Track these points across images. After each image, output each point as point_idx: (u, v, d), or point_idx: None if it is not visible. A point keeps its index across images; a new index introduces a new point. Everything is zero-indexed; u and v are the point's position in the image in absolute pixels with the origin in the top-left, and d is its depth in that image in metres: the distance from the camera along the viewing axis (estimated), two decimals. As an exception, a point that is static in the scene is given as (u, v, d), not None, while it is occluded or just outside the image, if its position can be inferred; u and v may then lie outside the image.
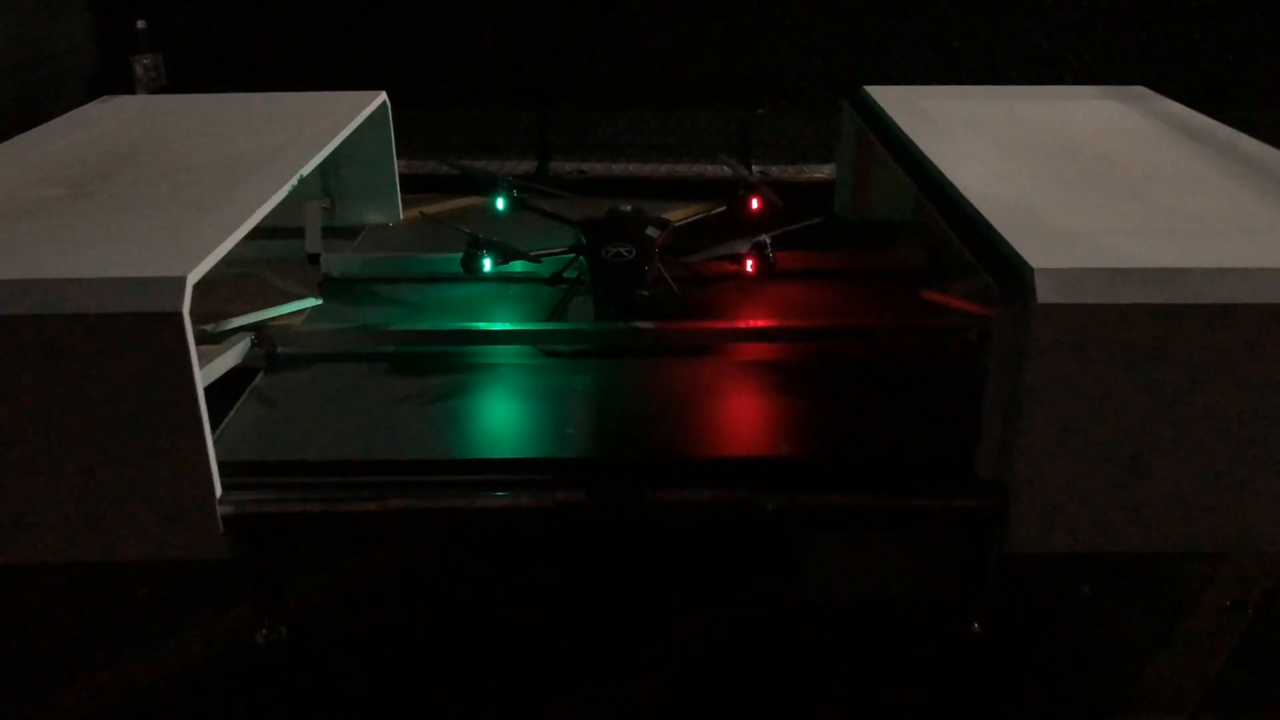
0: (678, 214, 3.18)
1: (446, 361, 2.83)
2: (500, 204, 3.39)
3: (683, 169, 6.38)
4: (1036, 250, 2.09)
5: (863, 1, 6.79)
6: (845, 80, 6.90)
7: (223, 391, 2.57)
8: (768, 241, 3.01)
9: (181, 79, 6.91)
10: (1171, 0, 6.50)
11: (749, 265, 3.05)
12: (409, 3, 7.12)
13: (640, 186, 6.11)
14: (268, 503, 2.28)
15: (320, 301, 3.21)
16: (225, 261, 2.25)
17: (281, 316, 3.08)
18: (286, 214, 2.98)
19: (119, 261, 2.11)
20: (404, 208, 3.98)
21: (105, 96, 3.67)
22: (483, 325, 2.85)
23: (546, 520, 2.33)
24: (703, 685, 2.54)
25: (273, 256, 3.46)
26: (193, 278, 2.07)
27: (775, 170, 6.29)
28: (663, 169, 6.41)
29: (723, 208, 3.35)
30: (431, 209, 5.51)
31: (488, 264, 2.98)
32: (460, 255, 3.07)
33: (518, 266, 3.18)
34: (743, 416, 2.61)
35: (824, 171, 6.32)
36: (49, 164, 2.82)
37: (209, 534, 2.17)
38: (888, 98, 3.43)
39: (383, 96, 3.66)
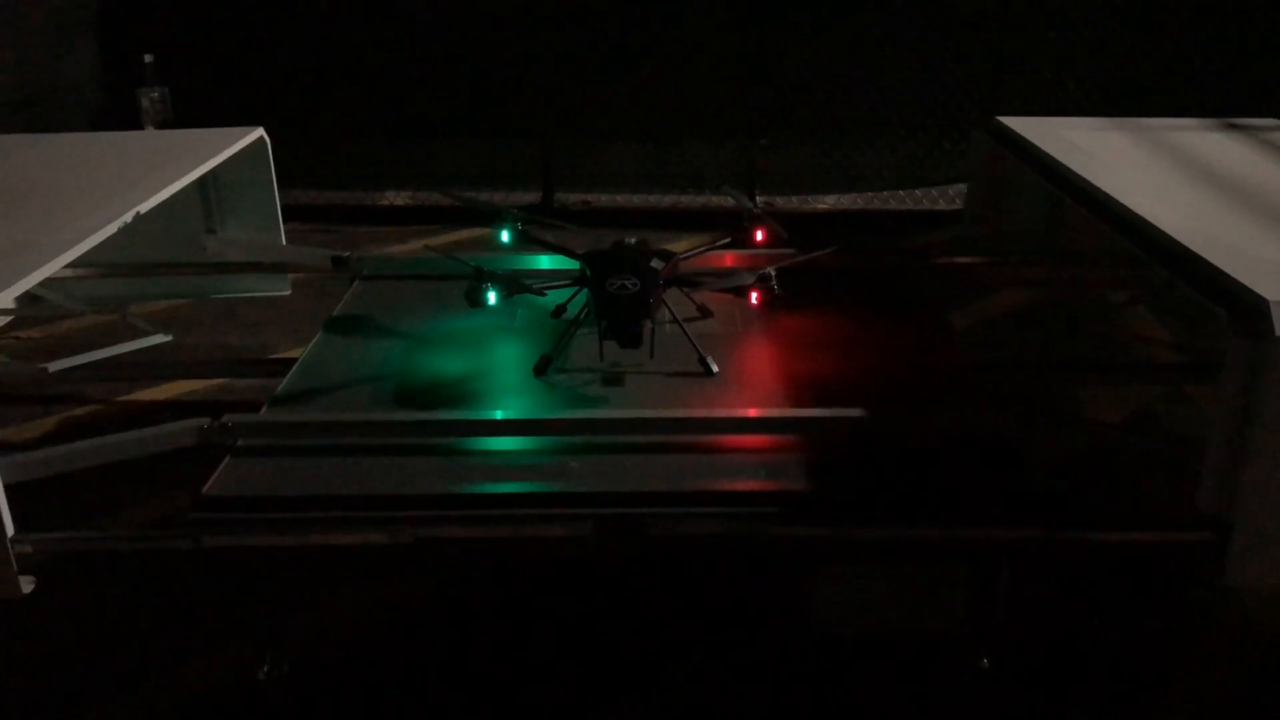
0: (682, 246, 3.19)
1: (441, 394, 2.83)
2: (505, 236, 3.40)
3: (687, 200, 6.40)
4: (1267, 282, 2.12)
5: (867, 33, 6.82)
6: (847, 112, 6.98)
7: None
8: (773, 273, 3.01)
9: (188, 112, 6.95)
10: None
11: (754, 297, 3.04)
12: (414, 36, 7.16)
13: (645, 218, 6.12)
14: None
15: (169, 338, 3.24)
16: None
17: (135, 352, 3.18)
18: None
19: None
20: (408, 240, 4.02)
21: None
22: (457, 415, 2.71)
23: (550, 553, 2.33)
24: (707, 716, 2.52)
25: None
26: None
27: (780, 201, 6.31)
28: (667, 200, 6.44)
29: (727, 240, 3.35)
30: (435, 242, 5.56)
31: (492, 297, 2.98)
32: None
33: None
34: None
35: (827, 202, 6.35)
36: None
37: (3, 575, 2.21)
38: (1027, 129, 3.58)
39: (259, 132, 3.69)
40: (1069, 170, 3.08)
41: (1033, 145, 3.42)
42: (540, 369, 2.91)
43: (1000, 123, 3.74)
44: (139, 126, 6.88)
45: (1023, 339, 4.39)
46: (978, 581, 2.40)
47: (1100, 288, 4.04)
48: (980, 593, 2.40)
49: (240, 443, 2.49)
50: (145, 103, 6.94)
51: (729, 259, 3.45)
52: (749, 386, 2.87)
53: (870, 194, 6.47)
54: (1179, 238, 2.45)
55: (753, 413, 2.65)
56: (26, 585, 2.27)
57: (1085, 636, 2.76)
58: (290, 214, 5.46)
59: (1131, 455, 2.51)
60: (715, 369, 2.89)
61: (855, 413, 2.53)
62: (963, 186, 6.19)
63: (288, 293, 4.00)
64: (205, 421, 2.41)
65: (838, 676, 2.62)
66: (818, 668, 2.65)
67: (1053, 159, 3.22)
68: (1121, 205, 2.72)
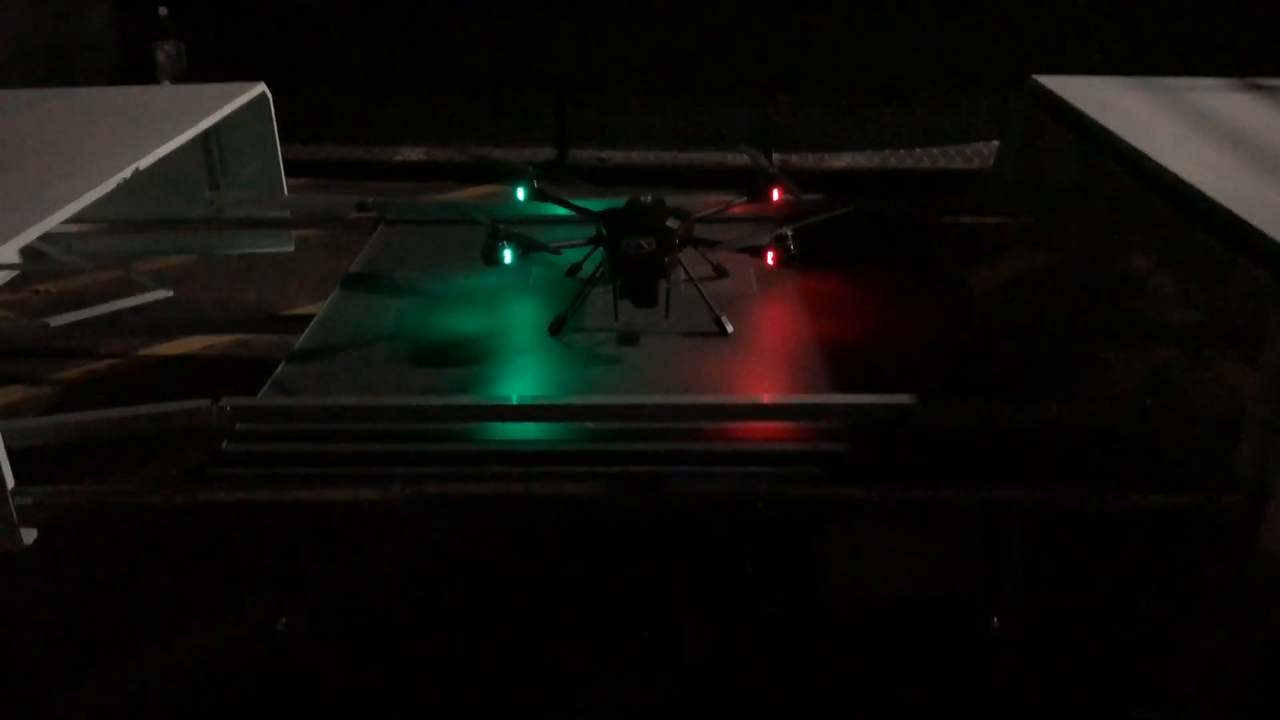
0: (698, 205, 3.17)
1: (457, 353, 2.84)
2: (521, 194, 3.38)
3: (703, 158, 6.35)
4: None
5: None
6: (868, 68, 6.92)
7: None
8: (789, 234, 2.99)
9: (203, 66, 6.92)
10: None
11: (770, 257, 3.03)
12: (430, -10, 7.11)
13: (660, 175, 6.08)
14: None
15: (170, 293, 3.25)
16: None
17: (131, 308, 3.20)
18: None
19: None
20: (423, 195, 4.04)
21: None
22: (459, 401, 2.62)
23: (564, 511, 2.34)
24: (717, 684, 2.54)
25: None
26: None
27: (796, 159, 6.26)
28: (683, 158, 6.39)
29: (744, 199, 3.33)
30: (450, 199, 5.55)
31: (508, 256, 2.98)
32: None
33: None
34: None
35: (844, 160, 6.29)
36: None
37: (4, 526, 2.25)
38: (1065, 88, 3.54)
39: (261, 88, 3.69)
40: (1108, 131, 3.06)
41: (1071, 105, 3.39)
42: (555, 328, 2.91)
43: (1037, 82, 3.70)
44: (155, 80, 6.87)
45: (1045, 302, 4.36)
46: (992, 545, 2.41)
47: (1128, 251, 4.02)
48: (995, 556, 2.41)
49: (239, 427, 2.48)
50: (160, 56, 6.92)
51: (745, 219, 3.43)
52: (764, 347, 2.86)
53: (888, 152, 6.40)
54: (1221, 200, 2.43)
55: (794, 398, 2.60)
56: (28, 537, 2.30)
57: (1106, 601, 2.76)
58: (304, 169, 5.48)
59: (1158, 421, 2.50)
60: (730, 329, 2.89)
61: (900, 399, 2.44)
62: (982, 146, 6.16)
63: (291, 249, 4.01)
64: (206, 404, 2.41)
65: (849, 638, 2.63)
66: (829, 630, 2.66)
67: (1091, 119, 3.20)
68: (1162, 167, 2.71)
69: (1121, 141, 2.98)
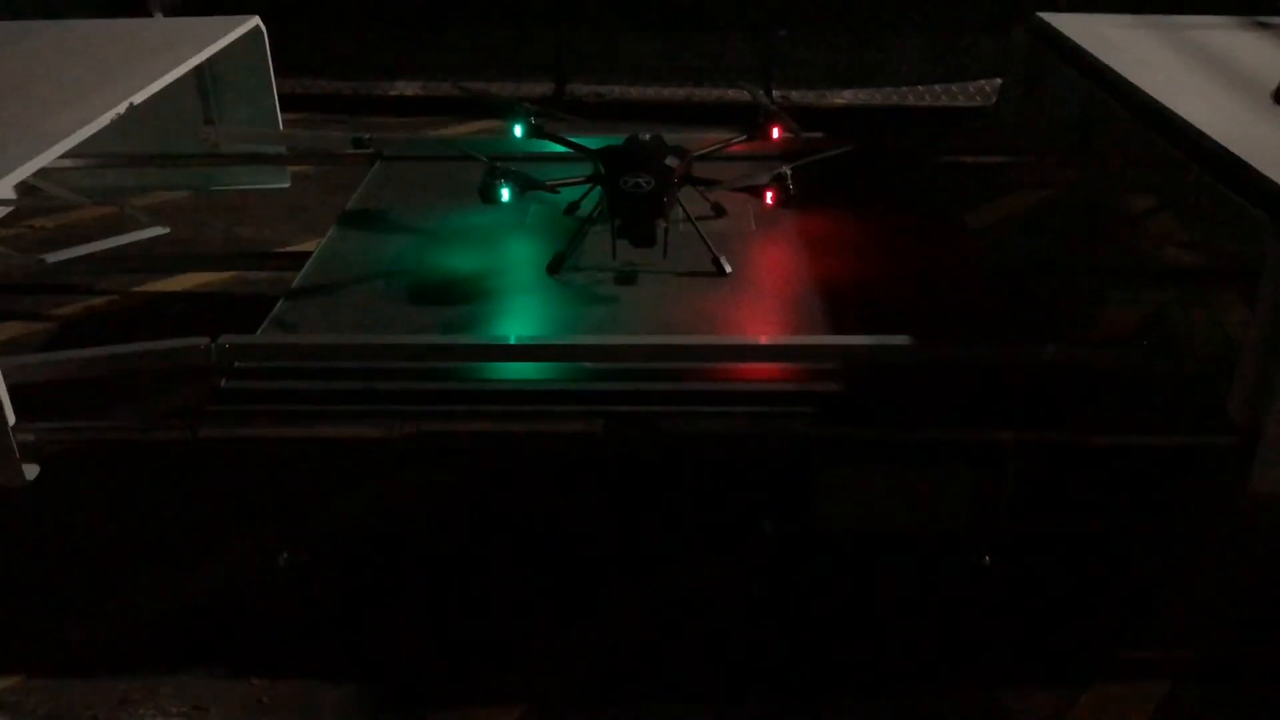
0: (697, 143, 3.16)
1: (455, 292, 2.84)
2: (518, 130, 3.36)
3: (702, 93, 6.28)
4: None
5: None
6: (870, 2, 6.81)
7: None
8: (788, 173, 2.98)
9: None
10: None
11: (768, 196, 3.02)
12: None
13: (658, 111, 6.03)
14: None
15: (167, 230, 3.25)
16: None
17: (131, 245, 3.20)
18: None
19: None
20: (419, 130, 4.02)
21: None
22: (458, 340, 2.62)
23: (561, 448, 2.36)
24: (705, 617, 2.58)
25: None
26: None
27: (796, 95, 6.20)
28: (681, 93, 6.32)
29: (743, 137, 3.31)
30: (446, 134, 5.50)
31: (506, 194, 2.97)
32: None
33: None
34: None
35: (844, 97, 6.23)
36: None
37: (5, 461, 2.28)
38: (1069, 25, 3.56)
39: (255, 21, 3.66)
40: (1110, 70, 3.04)
41: (1074, 43, 3.38)
42: (553, 267, 2.91)
43: (1041, 19, 3.68)
44: (146, 12, 6.76)
45: (1044, 242, 4.36)
46: (985, 483, 2.43)
47: (1128, 191, 4.02)
48: (986, 494, 2.44)
49: (238, 364, 2.50)
50: (153, -13, 6.80)
51: (744, 157, 3.41)
52: (762, 287, 2.87)
53: (889, 89, 6.34)
54: (1221, 140, 2.44)
55: (791, 339, 2.60)
56: (30, 473, 2.33)
57: (1098, 541, 2.79)
58: (299, 104, 5.43)
59: (1155, 361, 2.52)
60: (729, 269, 2.89)
61: (897, 340, 2.44)
62: (984, 83, 6.10)
63: (287, 185, 4.00)
64: (202, 342, 2.42)
65: (841, 574, 2.67)
66: (822, 565, 2.69)
67: (1094, 58, 3.18)
68: (1163, 106, 2.70)
69: (1123, 80, 2.96)
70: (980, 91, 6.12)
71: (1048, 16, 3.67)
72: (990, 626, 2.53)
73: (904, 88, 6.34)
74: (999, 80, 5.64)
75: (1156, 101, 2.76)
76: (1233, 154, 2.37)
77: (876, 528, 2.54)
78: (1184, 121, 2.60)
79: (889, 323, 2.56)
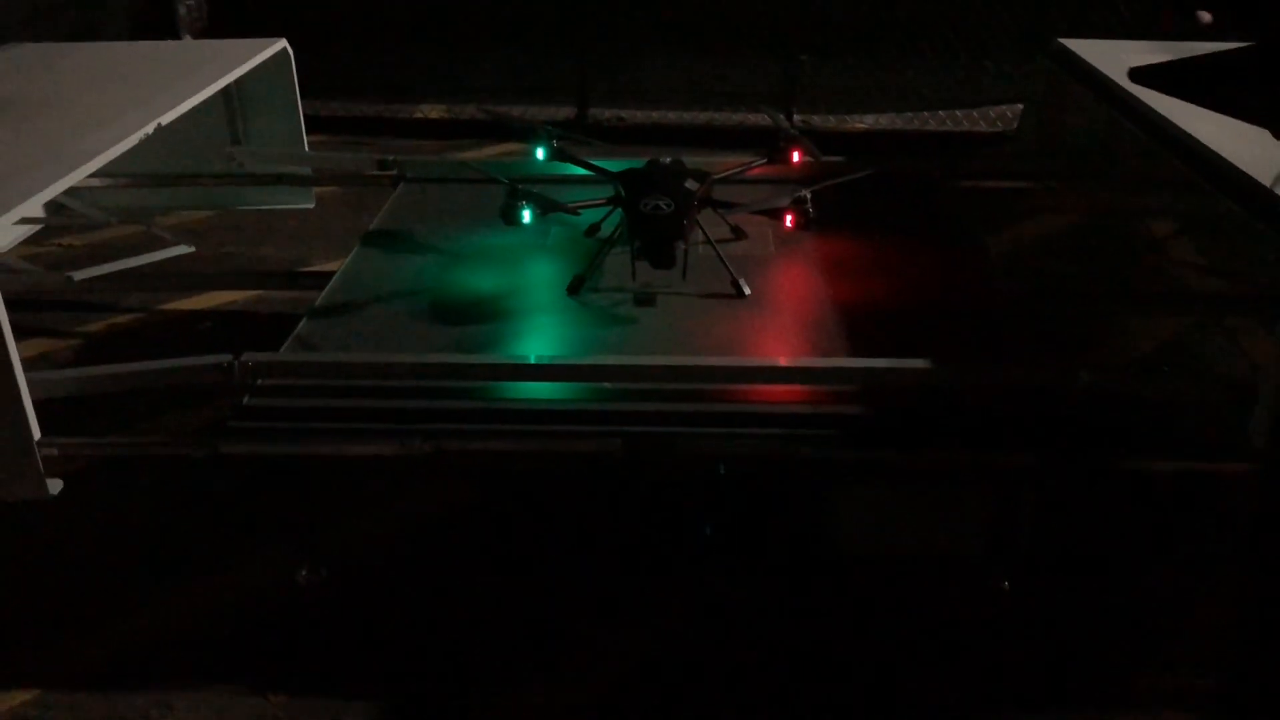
0: (718, 166, 3.17)
1: (476, 312, 2.86)
2: (540, 153, 3.39)
3: (722, 118, 6.31)
4: None
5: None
6: (890, 28, 6.84)
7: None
8: (808, 196, 2.99)
9: (224, 20, 6.91)
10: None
11: (788, 220, 3.03)
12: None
13: (679, 135, 6.07)
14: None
15: (192, 249, 3.44)
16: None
17: (156, 264, 3.42)
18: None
19: None
20: (443, 153, 4.05)
21: (11, 44, 3.78)
22: (478, 360, 2.64)
23: (579, 467, 2.37)
24: (725, 635, 2.58)
25: None
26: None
27: (817, 120, 6.22)
28: (702, 117, 6.36)
29: (763, 160, 3.33)
30: (468, 157, 5.55)
31: (527, 215, 2.99)
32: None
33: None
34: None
35: (866, 122, 6.25)
36: None
37: (30, 476, 2.31)
38: (1092, 52, 3.57)
39: (282, 44, 3.71)
40: (1131, 95, 3.04)
41: (1095, 69, 3.38)
42: (573, 288, 2.93)
43: (1063, 45, 3.69)
44: (176, 35, 6.86)
45: (1064, 267, 4.35)
46: (1004, 507, 2.43)
47: (1150, 216, 4.01)
48: (1004, 518, 2.43)
49: (260, 382, 2.52)
50: (182, 10, 6.91)
51: (764, 180, 3.43)
52: (781, 309, 2.87)
53: (910, 114, 6.36)
54: (1244, 168, 2.44)
55: (810, 361, 2.60)
56: (54, 487, 2.35)
57: (1117, 566, 2.77)
58: (322, 126, 5.49)
59: (1175, 387, 2.51)
60: (748, 291, 2.90)
61: (917, 363, 2.44)
62: (1005, 108, 6.11)
63: (311, 205, 4.04)
64: (226, 359, 2.44)
65: (859, 596, 2.66)
66: (840, 587, 2.68)
67: (1114, 83, 3.18)
68: (1183, 132, 2.69)
69: (1143, 105, 2.96)
70: (1001, 117, 6.12)
71: (1069, 43, 3.68)
72: (1007, 652, 2.52)
73: (925, 113, 6.35)
74: (1019, 106, 5.65)
75: (1176, 126, 2.76)
76: (1253, 179, 2.37)
77: (895, 551, 2.53)
78: (1204, 147, 2.60)
79: (908, 347, 2.56)
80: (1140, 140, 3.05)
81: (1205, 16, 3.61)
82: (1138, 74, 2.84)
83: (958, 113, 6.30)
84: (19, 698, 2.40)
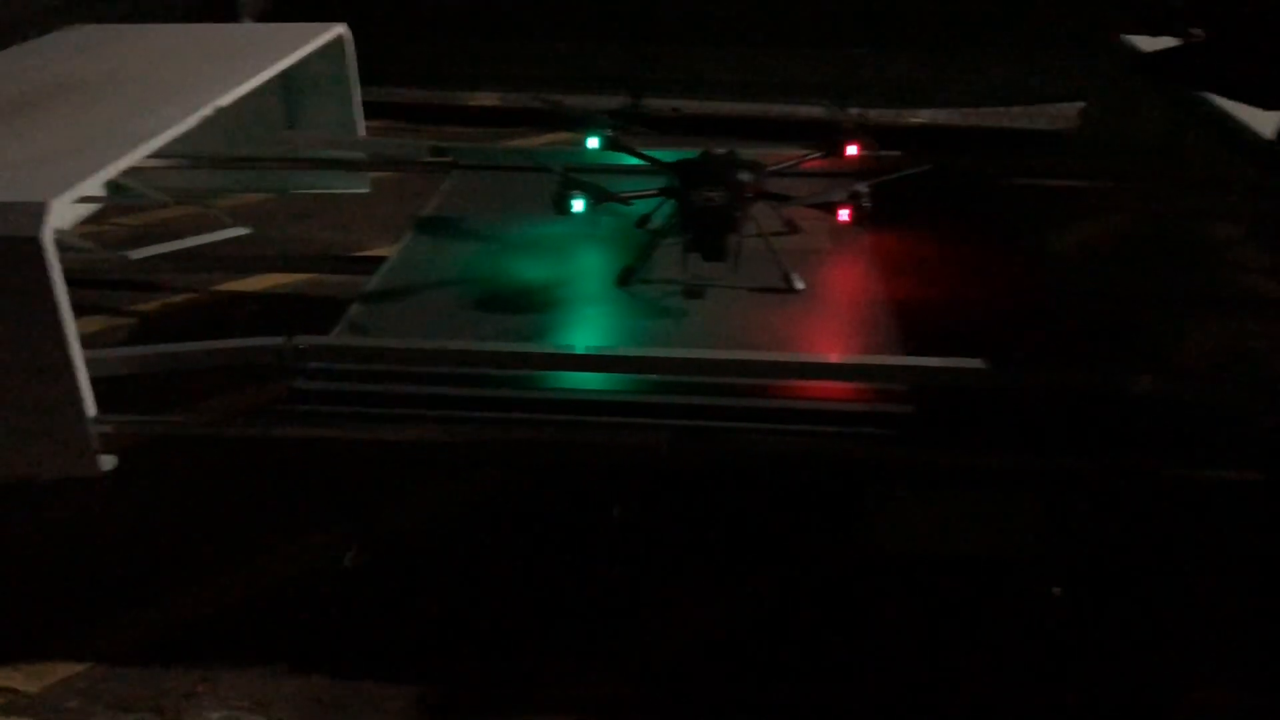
0: (772, 159, 3.14)
1: (525, 300, 2.85)
2: (594, 142, 3.37)
3: (778, 110, 6.26)
4: None
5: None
6: (951, 21, 6.74)
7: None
8: (865, 191, 2.95)
9: (284, 4, 6.96)
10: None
11: (844, 215, 2.99)
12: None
13: (734, 126, 6.02)
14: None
15: (250, 230, 3.46)
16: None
17: (212, 245, 3.51)
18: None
19: None
20: (496, 140, 4.06)
21: (76, 24, 3.82)
22: (526, 348, 2.58)
23: (624, 459, 2.36)
24: (765, 633, 2.55)
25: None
26: (59, 203, 2.14)
27: (874, 114, 6.15)
28: (757, 109, 6.30)
29: (819, 153, 3.28)
30: (523, 145, 5.55)
31: (578, 204, 2.98)
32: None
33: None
34: None
35: (923, 116, 6.17)
36: None
37: (83, 453, 2.33)
38: (1150, 47, 3.57)
39: (340, 29, 3.71)
40: (1199, 95, 2.97)
41: (1161, 66, 3.31)
42: (623, 279, 2.91)
43: (1127, 42, 3.61)
44: (236, 18, 6.92)
45: (1123, 268, 4.26)
46: (1057, 511, 2.38)
47: (1214, 219, 3.91)
48: (1055, 521, 2.38)
49: (311, 365, 2.53)
50: (242, -6, 6.97)
51: (819, 173, 3.39)
52: (834, 306, 2.84)
53: (968, 109, 6.26)
54: None
55: (862, 359, 2.55)
56: (107, 464, 2.38)
57: (1171, 575, 2.72)
58: (377, 111, 5.50)
59: (1237, 394, 2.44)
60: (800, 286, 2.86)
61: (971, 363, 2.39)
62: (1066, 106, 5.99)
63: (367, 190, 4.06)
64: (280, 341, 2.46)
65: (903, 599, 2.62)
66: (883, 589, 2.65)
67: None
68: (1254, 132, 2.62)
69: (1210, 104, 2.89)
70: (1062, 115, 6.01)
71: (1133, 39, 3.60)
72: (1055, 659, 2.47)
73: (983, 109, 6.25)
74: (1080, 105, 5.54)
75: (1244, 126, 2.69)
76: None
77: (944, 553, 2.49)
78: (1272, 146, 2.53)
79: (962, 347, 2.51)
80: (1206, 139, 2.98)
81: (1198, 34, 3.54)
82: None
83: (1016, 109, 6.19)
84: (65, 670, 2.43)
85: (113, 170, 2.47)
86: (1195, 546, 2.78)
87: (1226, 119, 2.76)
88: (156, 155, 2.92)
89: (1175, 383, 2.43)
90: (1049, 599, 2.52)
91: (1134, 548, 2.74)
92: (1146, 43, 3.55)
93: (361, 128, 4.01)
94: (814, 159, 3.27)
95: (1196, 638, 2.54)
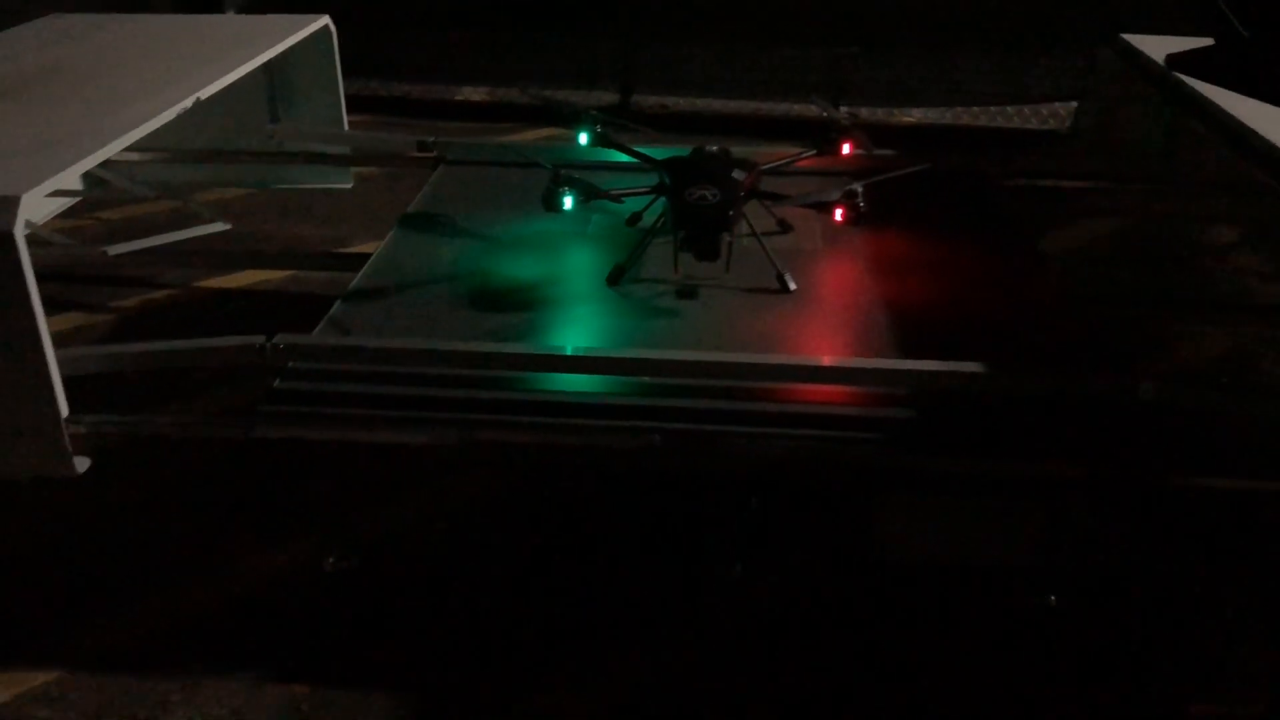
0: (765, 157, 3.09)
1: (513, 299, 2.80)
2: (584, 138, 3.32)
3: (770, 108, 6.21)
4: None
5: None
6: (943, 20, 6.71)
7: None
8: (859, 190, 2.90)
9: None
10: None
11: (838, 214, 2.94)
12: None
13: (725, 124, 5.97)
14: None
15: (229, 226, 3.42)
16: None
17: (192, 240, 3.41)
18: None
19: None
20: (484, 136, 4.01)
21: (56, 14, 3.77)
22: (514, 349, 2.51)
23: (614, 463, 2.31)
24: (761, 644, 2.51)
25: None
26: (30, 197, 2.09)
27: (865, 112, 6.11)
28: (749, 107, 6.26)
29: (813, 152, 3.23)
30: (511, 140, 5.49)
31: (569, 202, 2.92)
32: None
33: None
34: None
35: (913, 115, 6.13)
36: None
37: (57, 453, 2.26)
38: (1153, 48, 3.49)
39: (324, 21, 3.65)
40: (1196, 93, 2.93)
41: (1160, 66, 3.27)
42: (613, 279, 2.85)
43: (1125, 41, 3.57)
44: (219, 9, 6.85)
45: (1120, 271, 4.23)
46: (1054, 519, 2.34)
47: (1212, 221, 3.89)
48: (1056, 531, 2.34)
49: (292, 364, 2.47)
50: (225, -15, 6.90)
51: (813, 172, 3.34)
52: (827, 306, 2.79)
53: (960, 109, 6.23)
54: None
55: (856, 361, 2.49)
56: (81, 465, 2.32)
57: (1168, 584, 2.68)
58: (364, 105, 5.46)
59: (1237, 401, 2.41)
60: (793, 286, 2.81)
61: (966, 367, 2.33)
62: (1058, 105, 5.97)
63: (350, 185, 4.00)
64: (259, 340, 2.39)
65: (900, 606, 2.58)
66: (884, 595, 2.61)
67: (1184, 83, 3.07)
68: (1253, 132, 2.59)
69: (1211, 104, 2.85)
70: (1054, 115, 5.99)
71: (1132, 39, 3.56)
72: (1051, 669, 2.43)
73: (975, 108, 6.22)
74: (1072, 103, 5.51)
75: (1246, 127, 2.65)
76: None
77: (940, 561, 2.45)
78: (1274, 148, 2.49)
79: (956, 349, 2.47)
80: (1205, 141, 2.94)
81: None
82: (1176, 60, 2.74)
83: (1008, 108, 6.17)
84: (40, 678, 2.37)
85: (90, 163, 2.41)
86: (1197, 554, 2.75)
87: (1231, 121, 2.72)
88: (136, 148, 2.86)
89: (1177, 389, 2.39)
90: (1046, 608, 2.48)
91: (1134, 555, 2.71)
92: (1146, 42, 3.51)
93: (345, 121, 3.94)
94: (808, 157, 3.22)
95: (1196, 647, 2.50)
